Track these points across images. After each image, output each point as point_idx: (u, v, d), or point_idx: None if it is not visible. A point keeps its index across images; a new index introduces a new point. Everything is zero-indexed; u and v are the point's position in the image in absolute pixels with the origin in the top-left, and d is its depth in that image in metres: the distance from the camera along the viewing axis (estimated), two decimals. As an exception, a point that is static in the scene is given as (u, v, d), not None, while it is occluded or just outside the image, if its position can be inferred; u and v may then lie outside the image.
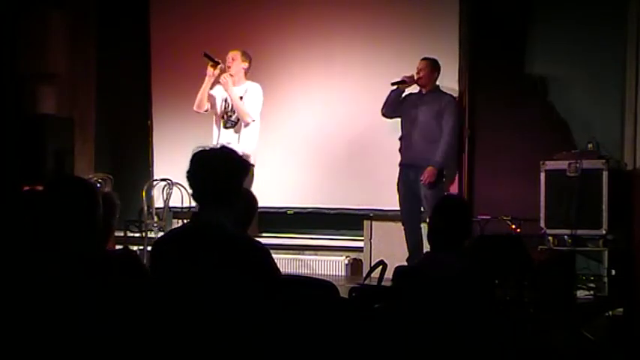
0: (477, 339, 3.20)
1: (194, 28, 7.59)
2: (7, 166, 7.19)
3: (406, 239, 6.37)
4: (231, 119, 6.53)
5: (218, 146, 2.98)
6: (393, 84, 6.41)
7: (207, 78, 6.52)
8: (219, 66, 6.48)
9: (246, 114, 6.44)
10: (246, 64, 6.57)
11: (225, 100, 6.56)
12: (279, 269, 2.86)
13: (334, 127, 7.17)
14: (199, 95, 6.57)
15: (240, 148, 6.02)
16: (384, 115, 6.57)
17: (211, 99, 6.59)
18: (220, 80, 6.48)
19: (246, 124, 6.47)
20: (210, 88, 6.58)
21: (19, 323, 2.56)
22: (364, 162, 7.04)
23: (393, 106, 6.49)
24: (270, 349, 2.69)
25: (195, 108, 6.63)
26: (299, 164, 7.29)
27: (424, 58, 6.41)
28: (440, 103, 6.35)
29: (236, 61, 6.53)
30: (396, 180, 6.49)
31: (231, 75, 6.51)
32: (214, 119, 6.63)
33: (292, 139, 7.29)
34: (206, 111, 6.62)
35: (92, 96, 8.13)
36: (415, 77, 6.40)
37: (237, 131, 6.50)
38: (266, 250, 2.83)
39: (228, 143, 6.23)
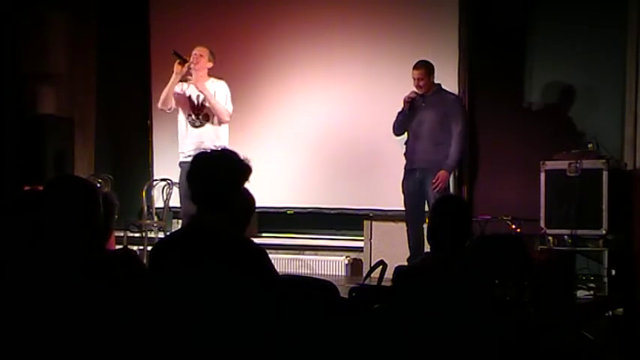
0: (476, 339, 3.20)
1: (194, 28, 7.58)
2: (7, 166, 7.20)
3: (408, 239, 6.36)
4: (199, 118, 6.39)
5: (219, 148, 2.97)
6: (406, 110, 6.33)
7: (173, 75, 6.36)
8: (186, 64, 6.33)
9: (223, 113, 6.33)
10: (211, 64, 6.42)
11: (190, 99, 6.42)
12: (275, 270, 2.86)
13: (334, 127, 7.17)
14: (165, 92, 6.42)
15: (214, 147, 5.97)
16: (396, 135, 6.51)
17: (176, 97, 6.44)
18: (192, 82, 6.34)
19: (222, 123, 6.37)
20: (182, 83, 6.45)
21: (19, 323, 2.56)
22: (364, 162, 7.04)
23: (403, 125, 6.44)
24: (270, 349, 2.69)
25: (159, 105, 6.53)
26: (299, 164, 7.29)
27: (418, 66, 6.30)
28: (445, 104, 6.31)
29: (203, 59, 6.38)
30: (399, 180, 6.46)
31: (196, 70, 6.36)
32: (179, 119, 6.50)
33: (292, 139, 7.29)
34: (169, 109, 6.50)
35: (92, 96, 8.14)
36: (416, 91, 6.31)
37: (207, 130, 6.37)
38: (262, 250, 2.82)
39: (201, 142, 6.20)
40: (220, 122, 6.37)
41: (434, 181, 6.18)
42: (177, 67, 6.34)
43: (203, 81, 6.41)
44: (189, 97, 6.44)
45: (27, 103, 7.63)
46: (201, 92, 6.34)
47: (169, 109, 6.51)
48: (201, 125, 6.39)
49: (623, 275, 5.80)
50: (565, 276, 5.25)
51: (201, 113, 6.40)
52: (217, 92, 6.40)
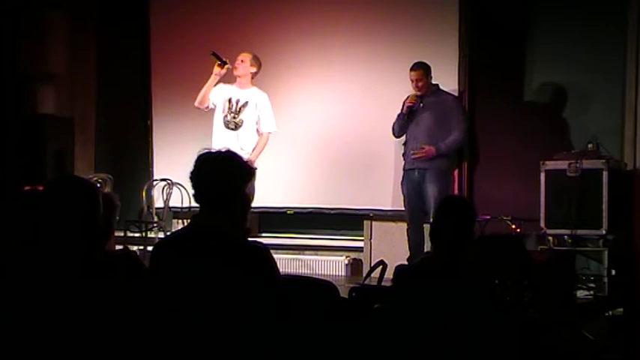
0: (476, 339, 3.20)
1: (194, 28, 7.60)
2: (7, 166, 7.19)
3: (408, 239, 6.36)
4: (234, 121, 6.51)
5: (223, 149, 2.97)
6: (406, 114, 6.35)
7: (213, 76, 6.50)
8: (226, 66, 6.47)
9: (266, 142, 6.54)
10: (254, 69, 6.56)
11: (229, 101, 6.54)
12: (278, 270, 2.86)
13: (334, 127, 7.16)
14: (203, 92, 6.54)
15: (240, 150, 6.04)
16: (396, 137, 6.54)
17: (214, 98, 6.57)
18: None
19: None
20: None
21: (19, 323, 2.56)
22: (364, 162, 7.03)
23: (402, 128, 6.44)
24: (270, 349, 2.69)
25: (196, 104, 6.61)
26: (299, 164, 7.29)
27: (415, 67, 6.33)
28: (444, 104, 6.33)
29: (245, 64, 6.53)
30: (399, 181, 6.48)
31: (238, 75, 6.53)
32: (215, 120, 6.59)
33: (292, 139, 7.28)
34: (206, 108, 6.60)
35: (92, 96, 8.14)
36: (417, 93, 6.33)
37: (238, 133, 6.49)
38: (265, 249, 2.82)
39: (231, 145, 6.26)
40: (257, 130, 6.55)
41: (417, 151, 6.22)
42: (216, 69, 6.48)
43: (246, 87, 6.55)
44: (230, 99, 6.54)
45: (27, 103, 7.63)
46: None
47: (206, 108, 6.61)
48: (236, 128, 6.50)
49: (623, 275, 5.80)
50: (565, 276, 5.25)
51: (237, 116, 6.51)
52: (260, 105, 6.53)
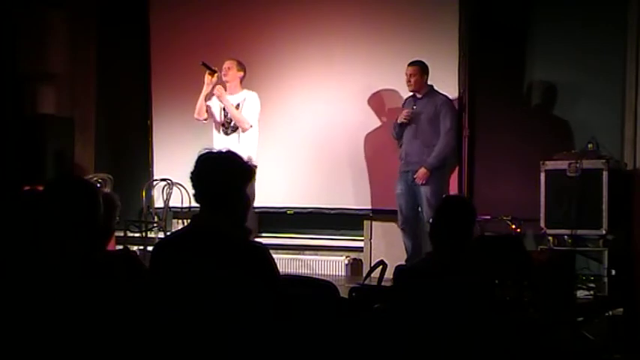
0: (476, 339, 3.20)
1: (194, 28, 7.59)
2: (7, 166, 7.19)
3: (404, 241, 6.37)
4: (231, 126, 6.59)
5: (224, 149, 2.98)
6: (396, 127, 6.42)
7: (205, 86, 6.60)
8: (216, 74, 6.56)
9: (243, 121, 6.53)
10: (241, 74, 6.66)
11: (223, 109, 6.62)
12: (278, 270, 2.86)
13: (334, 127, 7.16)
14: (199, 103, 6.65)
15: (241, 153, 6.06)
16: (396, 139, 6.56)
17: (209, 108, 6.66)
18: (214, 92, 6.56)
19: (244, 130, 6.53)
20: (209, 97, 6.65)
21: (19, 323, 2.56)
22: (364, 162, 7.04)
23: (400, 134, 6.48)
24: (270, 349, 2.69)
25: (195, 116, 6.71)
26: (299, 164, 7.29)
27: (412, 63, 6.39)
28: (435, 105, 6.35)
29: (232, 71, 6.63)
30: (395, 183, 6.50)
31: (227, 81, 6.62)
32: (214, 127, 6.67)
33: (292, 140, 7.29)
34: (205, 119, 6.68)
35: (92, 96, 8.14)
36: (409, 113, 6.37)
37: (238, 137, 6.55)
38: (266, 250, 2.82)
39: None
40: (244, 130, 6.55)
41: (415, 178, 6.27)
42: (207, 78, 6.59)
43: (235, 91, 6.63)
44: (223, 107, 6.62)
45: (27, 103, 7.64)
46: (222, 102, 6.56)
47: (205, 120, 6.71)
48: (232, 133, 6.59)
49: (623, 275, 5.80)
50: (565, 276, 5.25)
51: (231, 121, 6.59)
52: (246, 100, 6.59)
